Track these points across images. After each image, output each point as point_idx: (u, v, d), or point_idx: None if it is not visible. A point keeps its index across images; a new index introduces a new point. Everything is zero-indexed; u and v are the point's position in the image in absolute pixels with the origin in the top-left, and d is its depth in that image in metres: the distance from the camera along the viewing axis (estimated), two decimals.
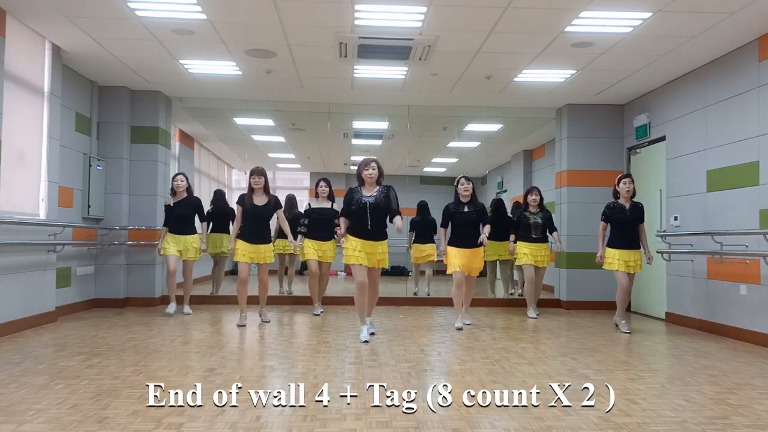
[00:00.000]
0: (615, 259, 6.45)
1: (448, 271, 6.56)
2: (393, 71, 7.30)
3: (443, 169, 14.52)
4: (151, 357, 4.73)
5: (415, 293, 9.55)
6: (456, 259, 6.45)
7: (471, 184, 6.57)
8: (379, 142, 11.77)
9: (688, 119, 7.04)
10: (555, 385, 3.83)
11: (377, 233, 5.63)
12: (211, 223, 8.92)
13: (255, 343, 5.47)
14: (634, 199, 6.60)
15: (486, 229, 6.47)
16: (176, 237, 7.14)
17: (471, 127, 10.47)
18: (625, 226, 6.46)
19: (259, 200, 6.41)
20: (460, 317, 6.58)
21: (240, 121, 10.20)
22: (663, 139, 7.61)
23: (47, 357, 4.71)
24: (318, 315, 7.35)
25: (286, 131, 10.86)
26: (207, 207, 9.43)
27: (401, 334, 6.07)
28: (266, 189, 6.49)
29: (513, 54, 6.57)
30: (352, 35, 6.04)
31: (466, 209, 6.48)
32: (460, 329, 6.41)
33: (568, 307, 8.53)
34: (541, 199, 7.60)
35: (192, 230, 7.27)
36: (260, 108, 9.16)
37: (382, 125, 10.44)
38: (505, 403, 3.54)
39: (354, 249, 5.59)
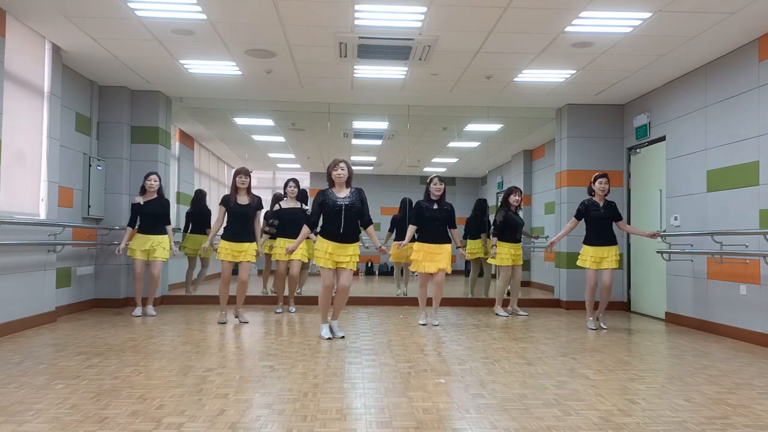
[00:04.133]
0: (588, 256, 6.60)
1: (412, 268, 6.80)
2: (393, 71, 7.30)
3: (443, 169, 14.50)
4: (151, 357, 4.73)
5: (399, 294, 9.36)
6: (421, 256, 6.58)
7: (443, 185, 6.79)
8: (379, 142, 11.77)
9: (688, 119, 7.04)
10: (554, 386, 3.82)
11: (349, 235, 5.64)
12: (190, 224, 8.94)
13: (255, 343, 5.48)
14: (608, 198, 6.73)
15: (455, 234, 6.81)
16: (144, 237, 6.97)
17: (471, 127, 10.47)
18: (600, 222, 6.61)
19: (243, 200, 6.60)
20: (423, 314, 6.81)
21: (240, 121, 10.20)
22: (663, 139, 7.62)
23: (47, 357, 4.71)
24: (279, 313, 7.49)
25: (286, 131, 10.87)
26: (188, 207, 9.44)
27: (401, 334, 6.07)
28: (249, 189, 6.67)
29: (513, 54, 6.57)
30: (352, 35, 6.04)
31: (435, 206, 6.69)
32: (423, 325, 6.64)
33: (568, 307, 8.52)
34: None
35: (162, 230, 7.09)
36: (260, 108, 9.16)
37: (382, 125, 10.44)
38: (506, 402, 3.54)
39: (325, 251, 5.59)
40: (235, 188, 6.60)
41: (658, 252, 7.20)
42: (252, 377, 4.11)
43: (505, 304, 7.95)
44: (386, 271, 14.62)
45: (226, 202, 6.59)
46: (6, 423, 3.06)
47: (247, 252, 6.54)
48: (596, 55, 6.52)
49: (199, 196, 9.14)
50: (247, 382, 3.95)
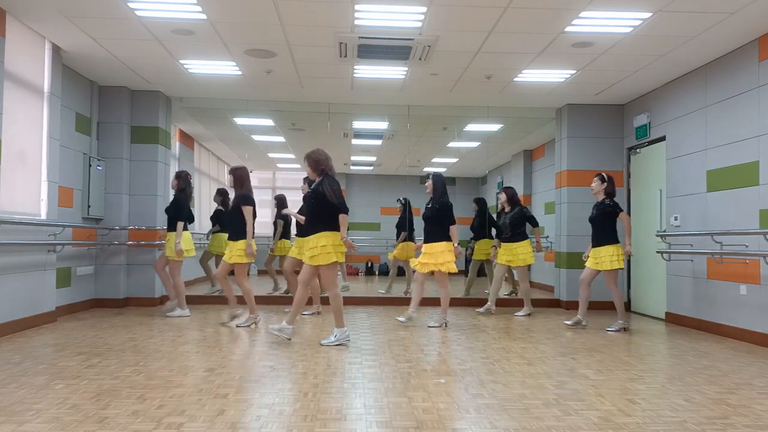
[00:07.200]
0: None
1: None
2: (393, 71, 7.29)
3: (443, 169, 14.52)
4: (151, 357, 4.73)
5: (407, 293, 9.37)
6: (421, 255, 6.62)
7: (430, 181, 6.69)
8: (379, 142, 11.77)
9: (688, 119, 7.04)
10: (554, 386, 3.82)
11: (306, 228, 5.43)
12: (218, 223, 9.07)
13: (255, 343, 5.47)
14: (615, 199, 6.71)
15: (452, 230, 6.49)
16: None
17: (471, 127, 10.47)
18: (592, 224, 6.75)
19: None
20: (409, 312, 6.69)
21: (240, 121, 10.20)
22: (663, 139, 7.61)
23: (47, 357, 4.71)
24: (305, 315, 7.41)
25: (286, 131, 10.87)
26: (213, 205, 9.50)
27: (401, 334, 6.06)
28: (240, 186, 6.35)
29: (513, 54, 6.57)
30: (352, 35, 6.04)
31: (429, 204, 6.69)
32: (401, 321, 6.69)
33: (568, 307, 8.52)
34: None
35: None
36: (260, 108, 9.16)
37: (382, 125, 10.44)
38: (505, 402, 3.54)
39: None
40: None
41: (658, 252, 7.20)
42: (252, 377, 4.11)
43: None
44: (386, 271, 14.61)
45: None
46: (6, 423, 3.06)
47: (231, 251, 6.23)
48: (596, 55, 6.52)
49: (225, 195, 9.20)
50: (247, 382, 3.95)
